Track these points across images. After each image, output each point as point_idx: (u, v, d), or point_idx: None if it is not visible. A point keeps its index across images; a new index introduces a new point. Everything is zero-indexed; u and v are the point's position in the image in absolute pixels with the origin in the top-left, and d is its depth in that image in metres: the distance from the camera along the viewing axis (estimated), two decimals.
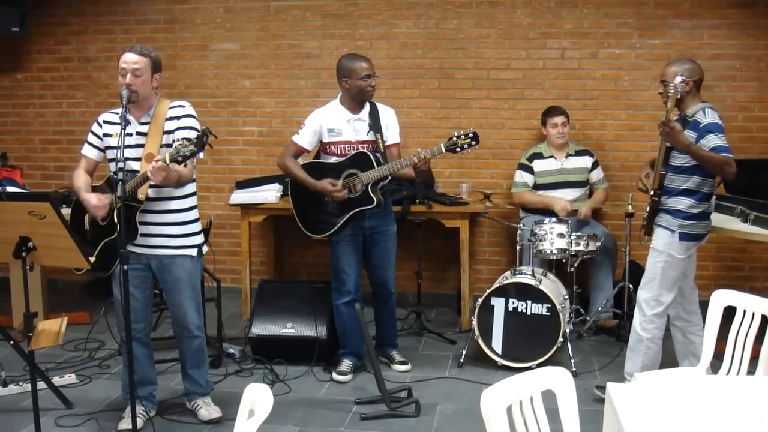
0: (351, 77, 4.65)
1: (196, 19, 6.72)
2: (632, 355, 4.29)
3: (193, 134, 3.71)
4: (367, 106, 4.76)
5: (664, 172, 4.17)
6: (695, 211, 4.14)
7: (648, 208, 4.29)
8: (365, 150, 4.66)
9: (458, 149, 4.45)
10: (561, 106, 5.95)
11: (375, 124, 4.73)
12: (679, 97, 4.00)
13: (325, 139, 4.75)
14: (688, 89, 4.07)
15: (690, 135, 4.02)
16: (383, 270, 4.95)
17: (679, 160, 4.11)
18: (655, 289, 4.20)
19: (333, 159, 4.73)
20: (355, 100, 4.71)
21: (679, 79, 3.94)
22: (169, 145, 3.78)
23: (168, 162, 3.54)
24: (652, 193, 4.23)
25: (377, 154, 4.64)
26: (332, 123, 4.73)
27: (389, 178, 4.74)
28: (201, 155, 3.70)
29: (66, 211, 3.97)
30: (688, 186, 4.13)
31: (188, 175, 3.86)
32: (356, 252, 4.82)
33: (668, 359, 4.56)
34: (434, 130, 6.28)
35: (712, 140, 3.97)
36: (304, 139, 4.77)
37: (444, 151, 4.48)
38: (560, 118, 5.84)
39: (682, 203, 4.14)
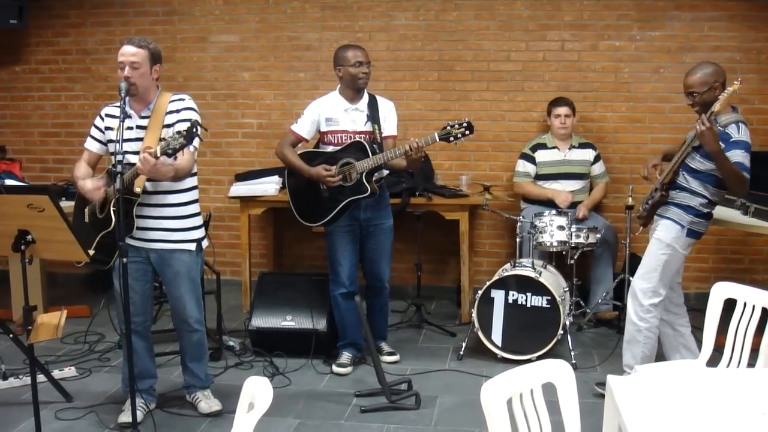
0: (344, 65, 4.68)
1: (194, 10, 6.70)
2: (630, 347, 4.25)
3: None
4: (366, 97, 4.77)
5: (680, 170, 4.14)
6: (705, 210, 4.15)
7: (652, 200, 4.26)
8: (361, 140, 4.66)
9: (452, 138, 4.42)
10: (568, 99, 5.93)
11: (373, 115, 4.73)
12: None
13: (323, 128, 4.77)
14: (718, 93, 4.00)
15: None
16: (377, 263, 4.94)
17: (700, 164, 4.07)
18: (655, 280, 4.17)
19: (330, 148, 4.74)
20: (350, 88, 4.73)
21: (737, 83, 3.78)
22: None
23: (159, 155, 3.52)
24: (660, 186, 4.20)
25: (374, 145, 4.65)
26: (330, 112, 4.75)
27: (383, 167, 4.75)
28: (191, 148, 3.69)
29: (66, 204, 3.97)
30: (701, 190, 4.10)
31: (186, 168, 3.82)
32: (352, 244, 4.82)
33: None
34: (434, 123, 6.25)
35: (738, 155, 3.92)
36: (303, 128, 4.79)
37: (438, 140, 4.45)
38: (564, 109, 5.83)
39: (696, 201, 4.12)
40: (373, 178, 4.68)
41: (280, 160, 4.91)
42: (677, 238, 4.14)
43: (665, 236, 4.17)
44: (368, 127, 4.73)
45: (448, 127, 4.43)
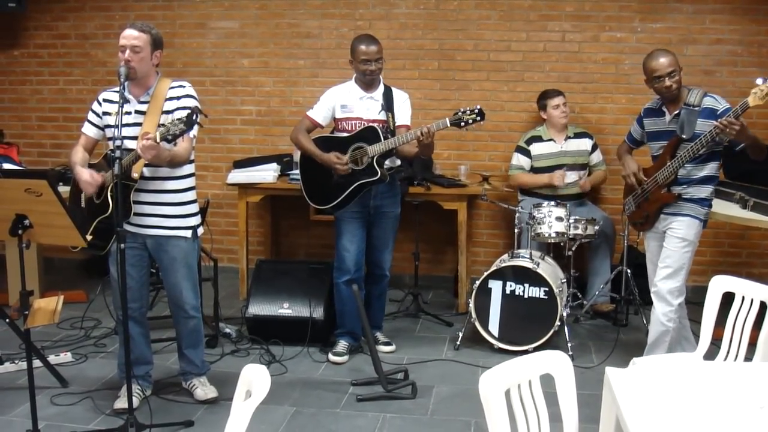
0: (354, 59, 4.71)
1: None
2: (655, 349, 4.21)
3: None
4: (382, 87, 4.80)
5: (676, 166, 4.13)
6: (713, 197, 4.22)
7: (656, 204, 4.24)
8: (374, 126, 4.67)
9: (463, 124, 4.45)
10: (557, 88, 5.93)
11: (388, 105, 4.76)
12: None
13: (338, 115, 4.79)
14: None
15: (707, 122, 4.02)
16: (380, 251, 4.95)
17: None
18: (682, 278, 4.18)
19: (344, 135, 4.76)
20: (360, 80, 4.74)
21: (761, 80, 3.84)
22: None
23: (158, 140, 3.51)
24: (663, 187, 4.20)
25: (387, 133, 4.66)
26: (345, 99, 4.77)
27: (396, 156, 4.77)
28: (191, 134, 3.68)
29: (64, 189, 3.96)
30: (705, 174, 4.15)
31: (183, 156, 3.81)
32: (360, 231, 4.82)
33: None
34: (433, 112, 6.24)
35: None
36: (319, 113, 4.81)
37: (449, 125, 4.47)
38: (560, 99, 5.83)
39: (705, 190, 4.17)
40: (385, 166, 4.69)
41: (295, 144, 4.93)
42: (698, 233, 4.20)
43: (688, 234, 4.18)
44: (382, 116, 4.74)
45: (460, 113, 4.46)
